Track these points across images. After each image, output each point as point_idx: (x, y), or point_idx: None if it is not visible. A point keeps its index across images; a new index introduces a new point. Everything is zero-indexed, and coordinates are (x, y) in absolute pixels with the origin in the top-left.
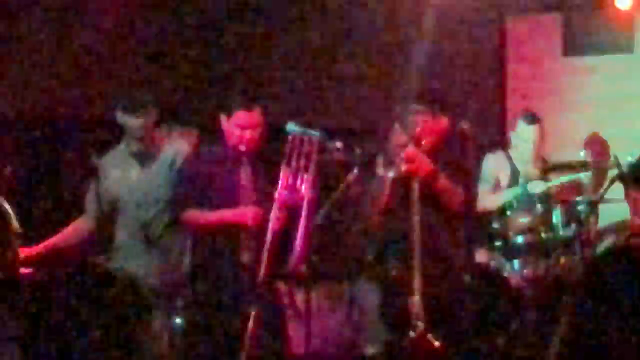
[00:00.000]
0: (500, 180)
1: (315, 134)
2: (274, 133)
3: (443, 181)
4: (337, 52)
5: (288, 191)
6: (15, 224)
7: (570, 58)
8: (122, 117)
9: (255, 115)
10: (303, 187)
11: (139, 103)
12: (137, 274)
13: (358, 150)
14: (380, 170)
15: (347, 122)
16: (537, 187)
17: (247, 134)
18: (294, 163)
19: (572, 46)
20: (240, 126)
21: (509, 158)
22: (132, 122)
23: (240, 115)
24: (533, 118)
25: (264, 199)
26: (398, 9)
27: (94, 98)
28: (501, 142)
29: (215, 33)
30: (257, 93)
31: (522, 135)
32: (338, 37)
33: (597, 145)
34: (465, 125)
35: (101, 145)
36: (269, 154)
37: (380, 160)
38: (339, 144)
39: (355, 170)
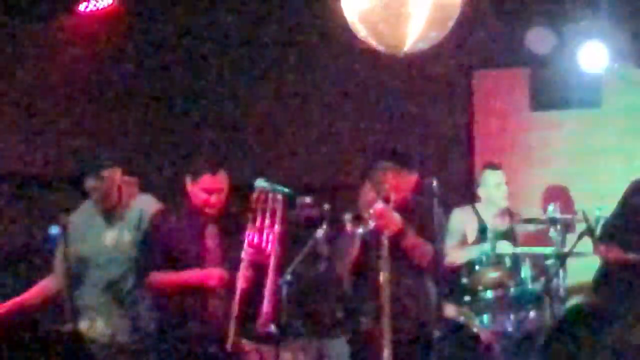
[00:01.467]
0: (467, 235)
1: (283, 190)
2: (241, 191)
3: (412, 237)
4: (306, 109)
5: (254, 249)
6: None
7: (538, 113)
8: (84, 179)
9: (220, 179)
10: (269, 244)
11: (96, 165)
12: (103, 332)
13: (327, 207)
14: (348, 227)
15: (316, 179)
16: (505, 249)
17: (213, 198)
18: (259, 220)
19: (539, 101)
20: (205, 190)
21: (477, 213)
22: (90, 184)
23: (206, 180)
24: (496, 164)
25: (230, 259)
26: (365, 66)
27: (62, 155)
28: (469, 197)
29: (181, 90)
30: (224, 151)
31: (491, 181)
32: (306, 94)
33: (562, 197)
34: (433, 181)
35: (69, 203)
36: (235, 212)
37: (347, 217)
38: (307, 200)
39: (324, 226)
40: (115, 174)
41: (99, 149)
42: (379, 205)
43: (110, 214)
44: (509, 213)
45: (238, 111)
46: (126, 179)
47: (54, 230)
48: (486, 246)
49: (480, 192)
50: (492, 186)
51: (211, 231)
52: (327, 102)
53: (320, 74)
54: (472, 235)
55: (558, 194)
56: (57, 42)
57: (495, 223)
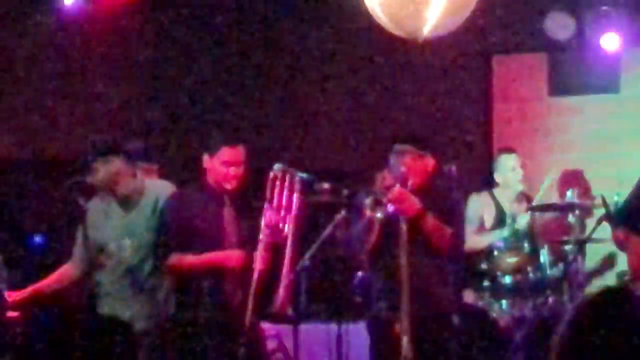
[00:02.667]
0: (485, 221)
1: (301, 175)
2: (260, 175)
3: (431, 221)
4: (324, 94)
5: (271, 231)
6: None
7: (556, 98)
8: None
9: (239, 152)
10: (286, 226)
11: (96, 153)
12: (124, 318)
13: (345, 191)
14: (367, 212)
15: (334, 164)
16: (523, 220)
17: (232, 171)
18: (276, 201)
19: (558, 86)
20: (224, 163)
21: (494, 198)
22: (88, 180)
23: (225, 152)
24: (510, 148)
25: (248, 240)
26: (385, 52)
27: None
28: (487, 183)
29: (202, 73)
30: (243, 134)
31: (506, 165)
32: (324, 78)
33: (580, 182)
34: (451, 165)
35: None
36: (253, 194)
37: (367, 201)
38: (326, 185)
39: (343, 211)
40: (110, 164)
41: (94, 140)
42: (398, 189)
43: (126, 200)
44: (526, 197)
45: (258, 95)
46: (145, 166)
47: (38, 239)
48: (505, 231)
49: (497, 176)
50: (507, 170)
51: (228, 212)
52: (347, 87)
53: (340, 60)
54: (489, 221)
55: (574, 179)
56: (75, 26)
57: (513, 208)
